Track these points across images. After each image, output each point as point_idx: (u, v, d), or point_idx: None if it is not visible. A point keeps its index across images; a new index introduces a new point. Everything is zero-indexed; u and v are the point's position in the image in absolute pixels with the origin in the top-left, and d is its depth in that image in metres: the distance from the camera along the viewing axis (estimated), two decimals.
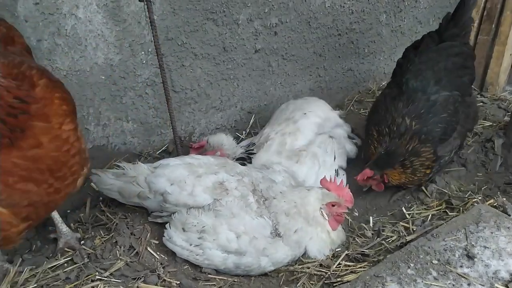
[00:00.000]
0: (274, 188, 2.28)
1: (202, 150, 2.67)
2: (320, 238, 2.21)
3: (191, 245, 2.11)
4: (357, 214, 2.58)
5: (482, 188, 2.80)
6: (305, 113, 2.85)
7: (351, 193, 2.28)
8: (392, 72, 2.95)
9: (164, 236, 2.16)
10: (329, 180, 2.31)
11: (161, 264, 2.12)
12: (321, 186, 2.31)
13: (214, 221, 2.09)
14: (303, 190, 2.28)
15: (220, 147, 2.62)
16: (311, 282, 2.12)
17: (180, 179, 2.15)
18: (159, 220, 2.25)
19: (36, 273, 1.94)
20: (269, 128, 2.83)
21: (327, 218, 2.24)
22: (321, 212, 2.23)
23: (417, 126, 2.54)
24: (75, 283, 1.90)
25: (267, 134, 2.77)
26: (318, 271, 2.16)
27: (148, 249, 2.17)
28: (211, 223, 2.09)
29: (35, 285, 1.89)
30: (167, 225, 2.17)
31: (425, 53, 2.72)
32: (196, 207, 2.12)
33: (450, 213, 2.51)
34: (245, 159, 2.63)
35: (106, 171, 2.31)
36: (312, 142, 2.73)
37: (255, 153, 2.66)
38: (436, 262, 1.97)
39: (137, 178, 2.21)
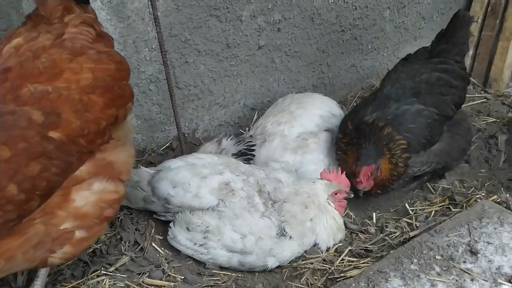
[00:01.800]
0: (282, 189, 2.26)
1: None
2: (329, 225, 2.27)
3: (195, 244, 2.12)
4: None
5: (486, 184, 2.80)
6: (302, 105, 2.82)
7: (346, 178, 2.39)
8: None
9: (168, 235, 2.17)
10: (328, 172, 2.40)
11: (165, 259, 2.14)
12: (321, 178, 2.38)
13: (218, 222, 2.09)
14: (309, 182, 2.32)
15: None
16: (314, 277, 2.13)
17: (184, 182, 2.13)
18: (163, 218, 2.26)
19: None
20: (263, 119, 2.79)
21: (333, 206, 2.31)
22: (328, 202, 2.30)
23: (386, 125, 2.43)
24: (81, 279, 1.91)
25: (263, 125, 2.73)
26: (321, 266, 2.17)
27: (153, 244, 2.19)
28: (215, 223, 2.09)
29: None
30: (171, 224, 2.18)
31: (411, 64, 2.62)
32: (201, 209, 2.12)
33: (453, 209, 2.52)
34: (247, 154, 2.61)
35: None
36: (315, 135, 2.71)
37: (254, 149, 2.62)
38: (439, 257, 1.98)
39: (140, 182, 2.22)
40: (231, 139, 2.67)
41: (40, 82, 1.45)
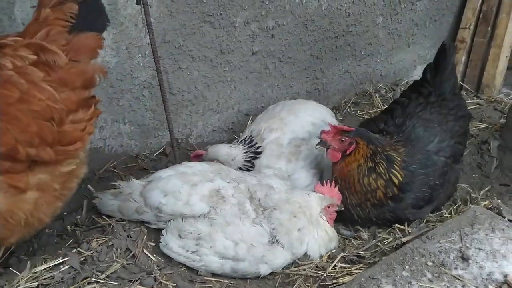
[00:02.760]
0: (273, 196, 2.26)
1: (200, 159, 2.64)
2: (320, 237, 2.27)
3: (187, 251, 2.11)
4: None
5: (478, 190, 2.81)
6: (294, 112, 2.80)
7: (339, 192, 2.40)
8: (387, 108, 2.81)
9: (160, 242, 2.16)
10: (323, 185, 2.40)
11: (157, 266, 2.12)
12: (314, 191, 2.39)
13: (210, 229, 2.09)
14: (304, 194, 2.32)
15: (216, 158, 2.58)
16: (307, 284, 2.13)
17: (174, 190, 2.13)
18: (154, 227, 2.24)
19: (35, 273, 1.94)
20: (255, 125, 2.77)
21: (325, 219, 2.32)
22: (320, 215, 2.30)
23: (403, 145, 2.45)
24: (71, 286, 1.90)
25: (257, 129, 2.71)
26: (314, 273, 2.16)
27: (145, 251, 2.17)
28: (207, 230, 2.09)
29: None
30: (163, 231, 2.17)
31: (438, 107, 2.59)
32: (192, 216, 2.11)
33: (445, 215, 2.53)
34: (249, 164, 2.60)
35: (105, 192, 2.32)
36: (307, 141, 2.69)
37: (258, 157, 2.60)
38: (431, 264, 1.99)
39: (133, 194, 2.22)
40: (240, 145, 2.64)
41: None
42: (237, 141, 2.70)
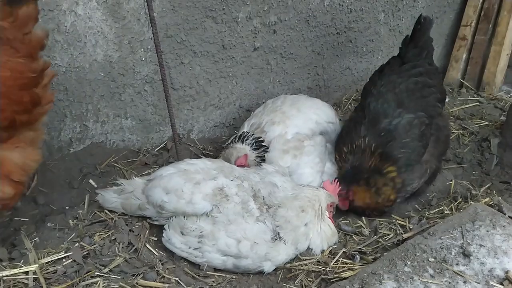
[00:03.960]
0: (277, 194, 2.24)
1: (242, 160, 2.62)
2: (323, 231, 2.29)
3: (190, 248, 2.11)
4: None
5: (478, 187, 2.82)
6: (296, 107, 2.82)
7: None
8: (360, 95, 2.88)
9: (163, 237, 2.16)
10: (331, 183, 2.48)
11: (160, 260, 2.13)
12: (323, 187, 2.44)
13: (212, 227, 2.08)
14: (313, 188, 2.35)
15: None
16: (309, 279, 2.14)
17: (177, 188, 2.11)
18: (156, 223, 2.25)
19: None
20: (256, 119, 2.78)
21: (328, 215, 2.34)
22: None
23: (378, 148, 2.49)
24: (74, 280, 1.90)
25: (258, 123, 2.72)
26: (315, 268, 2.17)
27: (147, 245, 2.18)
28: (210, 228, 2.08)
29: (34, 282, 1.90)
30: (165, 226, 2.17)
31: (387, 76, 2.62)
32: (194, 215, 2.10)
33: (446, 212, 2.54)
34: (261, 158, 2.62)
35: (108, 189, 2.32)
36: (310, 137, 2.71)
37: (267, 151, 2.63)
38: (433, 260, 2.00)
39: (135, 191, 2.22)
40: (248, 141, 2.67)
41: None
42: (236, 137, 2.70)
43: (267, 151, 2.61)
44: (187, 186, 2.12)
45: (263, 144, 2.64)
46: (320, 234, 2.27)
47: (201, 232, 2.09)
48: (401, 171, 2.50)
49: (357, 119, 2.64)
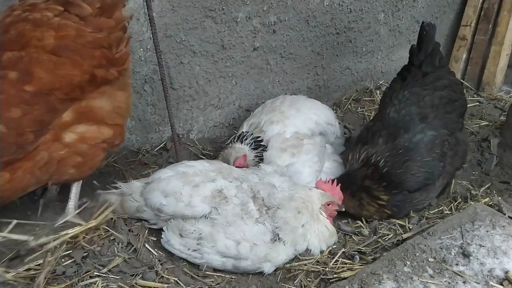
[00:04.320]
0: (276, 195, 2.23)
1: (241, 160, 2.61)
2: (320, 233, 2.28)
3: (189, 249, 2.10)
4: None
5: (478, 187, 2.82)
6: (296, 107, 2.81)
7: (340, 191, 2.44)
8: (379, 102, 2.83)
9: (162, 238, 2.16)
10: (324, 182, 2.42)
11: (159, 261, 2.12)
12: (316, 187, 2.40)
13: (211, 229, 2.07)
14: (306, 189, 2.33)
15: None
16: (308, 279, 2.13)
17: (175, 191, 2.09)
18: (155, 227, 2.23)
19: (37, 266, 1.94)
20: (255, 118, 2.78)
21: (325, 216, 2.32)
22: (320, 211, 2.30)
23: (385, 167, 2.43)
24: (73, 280, 1.90)
25: (257, 122, 2.72)
26: (315, 268, 2.17)
27: (146, 246, 2.17)
28: (209, 230, 2.07)
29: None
30: (164, 228, 2.16)
31: (410, 86, 2.57)
32: (193, 217, 2.09)
33: (446, 212, 2.54)
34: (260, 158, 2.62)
35: (108, 192, 2.31)
36: (310, 137, 2.70)
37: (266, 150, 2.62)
38: (432, 260, 1.99)
39: (133, 194, 2.21)
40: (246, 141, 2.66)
41: (15, 49, 1.81)
42: (235, 137, 2.70)
43: (265, 151, 2.61)
44: (185, 189, 2.10)
45: (261, 143, 2.63)
46: (318, 235, 2.26)
47: (200, 234, 2.08)
48: (395, 198, 2.46)
49: (374, 127, 2.57)
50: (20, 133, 1.81)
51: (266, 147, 2.63)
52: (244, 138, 2.65)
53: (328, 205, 2.34)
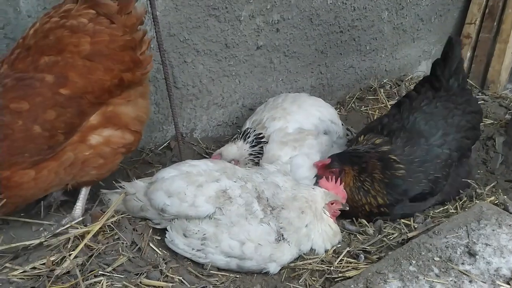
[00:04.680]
0: (280, 195, 2.22)
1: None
2: (324, 232, 2.27)
3: (193, 249, 2.09)
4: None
5: (483, 186, 2.80)
6: (298, 103, 2.81)
7: (344, 190, 2.46)
8: (396, 103, 2.83)
9: (166, 237, 2.15)
10: (326, 180, 2.42)
11: (163, 260, 2.11)
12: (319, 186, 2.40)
13: (215, 230, 2.06)
14: (309, 188, 2.32)
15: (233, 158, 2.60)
16: (313, 278, 2.13)
17: (179, 191, 2.08)
18: (158, 227, 2.22)
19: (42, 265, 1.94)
20: (257, 115, 2.78)
21: (328, 215, 2.31)
22: (323, 210, 2.30)
23: (400, 171, 2.42)
24: (78, 279, 1.90)
25: (259, 119, 2.72)
26: (319, 267, 2.16)
27: (151, 244, 2.16)
28: (213, 231, 2.06)
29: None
30: (168, 227, 2.15)
31: (444, 100, 2.59)
32: (197, 218, 2.08)
33: (451, 211, 2.52)
34: (257, 155, 2.61)
35: (113, 192, 2.30)
36: (314, 134, 2.69)
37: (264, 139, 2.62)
38: (438, 259, 1.98)
39: (137, 193, 2.20)
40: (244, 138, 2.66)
41: (52, 54, 1.90)
42: (238, 136, 2.69)
43: (264, 145, 2.60)
44: (189, 189, 2.08)
45: (262, 140, 2.62)
46: (322, 234, 2.25)
47: (204, 234, 2.07)
48: (393, 201, 2.45)
49: (392, 127, 2.57)
50: (53, 134, 1.91)
51: (267, 142, 2.62)
52: (247, 136, 2.64)
53: (332, 204, 2.33)
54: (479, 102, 2.78)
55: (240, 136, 2.67)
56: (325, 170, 2.51)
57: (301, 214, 2.19)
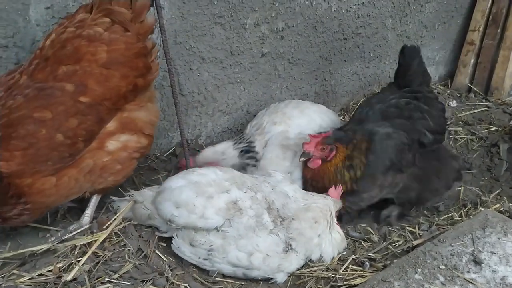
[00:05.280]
0: (290, 205, 2.19)
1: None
2: (334, 239, 2.28)
3: (199, 258, 2.09)
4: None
5: (487, 193, 2.81)
6: (300, 109, 2.82)
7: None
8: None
9: (172, 244, 2.15)
10: (334, 189, 2.41)
11: (169, 266, 2.12)
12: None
13: (223, 242, 2.04)
14: (322, 198, 2.31)
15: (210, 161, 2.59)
16: (318, 285, 2.13)
17: (188, 202, 2.04)
18: (165, 235, 2.21)
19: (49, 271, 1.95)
20: (258, 120, 2.78)
21: (336, 222, 2.33)
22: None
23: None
24: (85, 286, 1.91)
25: (259, 123, 2.73)
26: (325, 274, 2.17)
27: (156, 251, 2.17)
28: (220, 243, 2.04)
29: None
30: (174, 235, 2.14)
31: (382, 92, 2.77)
32: (205, 230, 2.05)
33: (456, 218, 2.52)
34: (249, 152, 2.61)
35: (122, 199, 2.32)
36: None
37: (255, 145, 2.62)
38: (443, 267, 1.99)
39: (145, 202, 2.21)
40: (233, 143, 2.67)
41: (70, 63, 1.94)
42: (237, 139, 2.71)
43: (255, 157, 2.60)
44: (199, 200, 2.04)
45: (252, 149, 2.63)
46: (332, 242, 2.25)
47: (211, 246, 2.05)
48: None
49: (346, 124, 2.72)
50: (74, 142, 1.96)
51: (257, 152, 2.61)
52: (239, 142, 2.66)
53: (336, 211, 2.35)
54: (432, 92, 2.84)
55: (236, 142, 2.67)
56: (316, 146, 2.42)
57: (314, 224, 2.17)
